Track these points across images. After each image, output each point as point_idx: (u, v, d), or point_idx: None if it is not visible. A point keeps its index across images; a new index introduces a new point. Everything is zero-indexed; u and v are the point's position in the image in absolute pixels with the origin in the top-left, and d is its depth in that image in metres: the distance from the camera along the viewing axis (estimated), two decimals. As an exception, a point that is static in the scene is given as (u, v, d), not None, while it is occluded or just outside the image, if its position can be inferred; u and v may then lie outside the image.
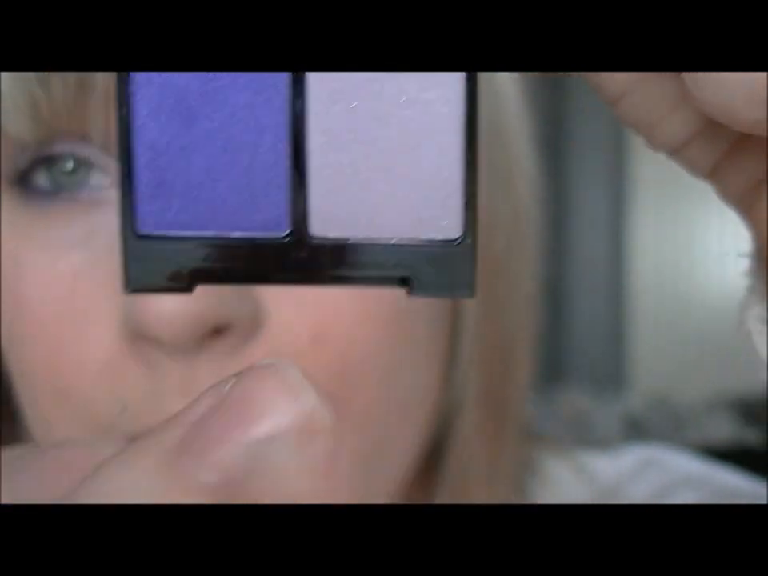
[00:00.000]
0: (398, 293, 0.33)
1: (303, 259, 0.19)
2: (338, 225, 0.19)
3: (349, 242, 0.19)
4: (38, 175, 0.34)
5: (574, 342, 2.05)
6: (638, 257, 2.14)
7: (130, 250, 0.19)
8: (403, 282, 0.19)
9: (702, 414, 1.78)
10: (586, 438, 1.72)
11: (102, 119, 0.32)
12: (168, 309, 0.30)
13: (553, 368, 1.90)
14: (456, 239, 0.19)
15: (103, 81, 0.32)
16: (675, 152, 0.23)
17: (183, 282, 0.18)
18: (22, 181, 0.35)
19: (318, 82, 0.19)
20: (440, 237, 0.19)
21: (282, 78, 0.19)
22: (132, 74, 0.18)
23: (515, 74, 0.42)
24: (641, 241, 2.13)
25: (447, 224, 0.19)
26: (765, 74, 0.18)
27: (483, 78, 0.40)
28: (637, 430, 1.78)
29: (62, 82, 0.32)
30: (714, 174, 0.23)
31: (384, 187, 0.19)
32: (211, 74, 0.18)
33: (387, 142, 0.19)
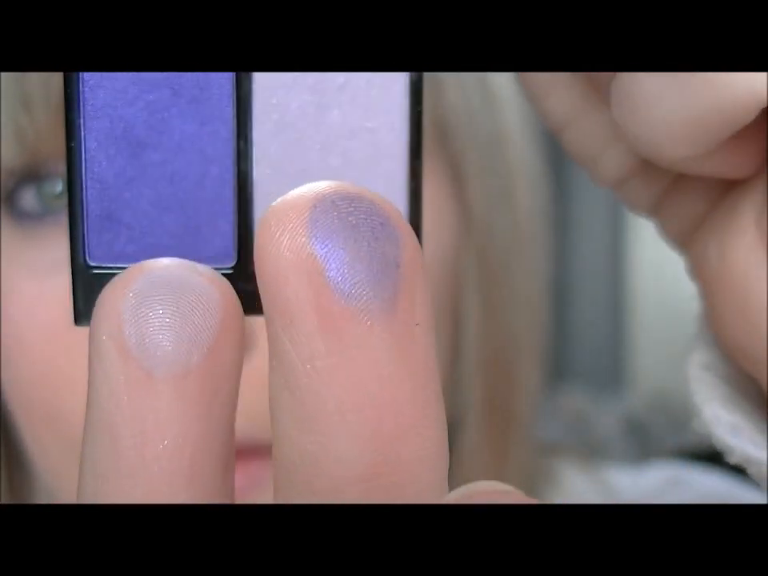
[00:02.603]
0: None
1: (249, 291, 0.19)
2: None
3: None
4: (27, 198, 0.35)
5: (574, 342, 2.05)
6: (637, 256, 2.14)
7: (78, 282, 0.19)
8: None
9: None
10: (586, 438, 1.72)
11: None
12: None
13: (553, 368, 1.90)
14: None
15: None
16: (616, 187, 0.23)
17: None
18: (11, 203, 0.35)
19: (262, 113, 0.19)
20: None
21: (228, 110, 0.19)
22: (81, 105, 0.18)
23: (514, 79, 0.42)
24: (641, 240, 2.13)
25: None
26: (686, 113, 0.18)
27: (479, 81, 0.39)
28: (637, 431, 1.78)
29: (44, 105, 0.33)
30: (654, 212, 0.23)
31: None
32: (158, 106, 0.19)
33: (332, 172, 0.19)
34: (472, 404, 0.40)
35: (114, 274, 0.19)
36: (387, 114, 0.19)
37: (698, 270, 0.23)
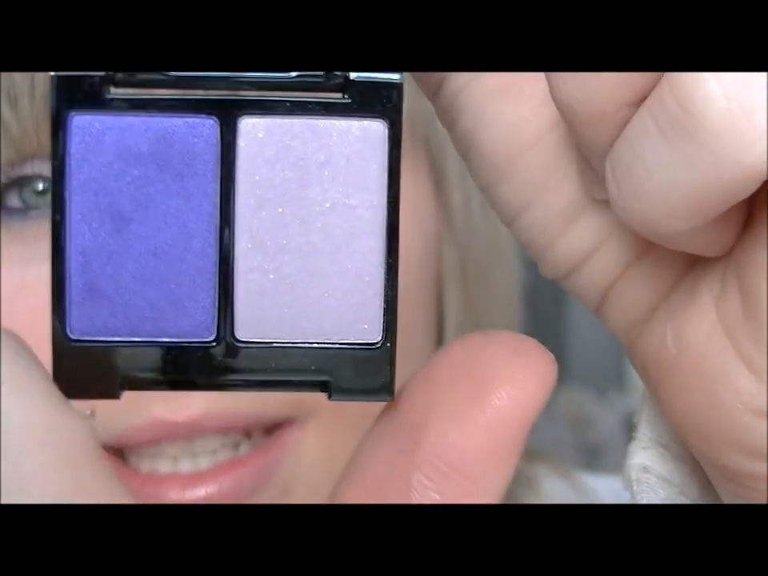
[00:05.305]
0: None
1: (229, 364, 0.19)
2: (263, 329, 0.19)
3: (273, 346, 0.19)
4: (10, 195, 0.35)
5: (576, 342, 2.05)
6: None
7: (60, 355, 0.19)
8: (323, 385, 0.19)
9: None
10: (588, 438, 1.72)
11: None
12: None
13: (554, 368, 1.90)
14: (375, 343, 0.19)
15: None
16: (569, 273, 0.22)
17: (112, 389, 0.19)
18: None
19: (245, 189, 0.19)
20: (360, 340, 0.19)
21: (212, 186, 0.19)
22: (67, 179, 0.19)
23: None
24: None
25: (368, 328, 0.19)
26: (688, 186, 0.18)
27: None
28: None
29: (30, 103, 0.33)
30: (606, 300, 0.22)
31: (308, 291, 0.19)
32: (144, 181, 0.19)
33: (311, 246, 0.19)
34: None
35: (95, 347, 0.19)
36: (366, 191, 0.19)
37: (651, 359, 0.22)
